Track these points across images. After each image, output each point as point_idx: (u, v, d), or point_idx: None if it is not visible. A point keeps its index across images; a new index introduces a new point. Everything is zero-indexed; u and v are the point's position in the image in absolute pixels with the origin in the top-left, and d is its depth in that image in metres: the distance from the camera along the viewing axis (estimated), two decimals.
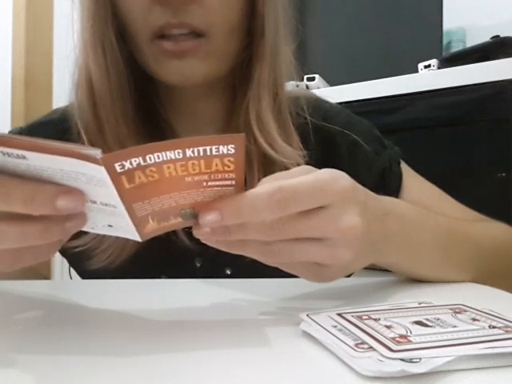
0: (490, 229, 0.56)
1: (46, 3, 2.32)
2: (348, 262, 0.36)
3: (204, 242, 0.34)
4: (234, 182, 0.32)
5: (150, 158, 0.28)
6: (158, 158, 0.28)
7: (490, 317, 0.31)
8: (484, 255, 0.50)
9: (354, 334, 0.28)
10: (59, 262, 1.61)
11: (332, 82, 1.47)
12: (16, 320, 0.36)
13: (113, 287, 0.48)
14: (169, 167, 0.29)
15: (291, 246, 0.34)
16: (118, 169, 0.28)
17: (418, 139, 1.22)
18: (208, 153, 0.29)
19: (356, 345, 0.27)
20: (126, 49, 0.53)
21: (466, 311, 0.32)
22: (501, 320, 0.30)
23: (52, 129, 0.60)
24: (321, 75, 1.47)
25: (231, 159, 0.30)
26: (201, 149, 0.29)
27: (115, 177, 0.28)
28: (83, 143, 0.53)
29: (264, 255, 0.34)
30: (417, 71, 1.32)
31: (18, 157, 0.28)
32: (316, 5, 1.67)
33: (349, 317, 0.31)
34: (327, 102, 0.66)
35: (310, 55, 1.62)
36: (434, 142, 1.21)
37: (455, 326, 0.29)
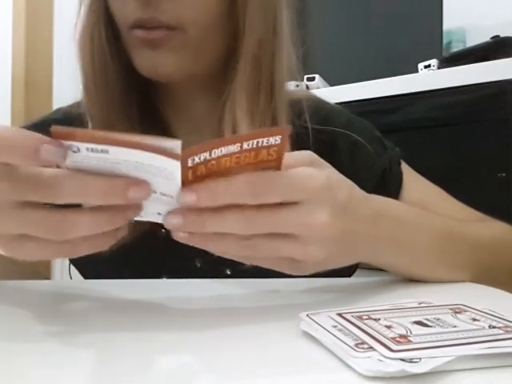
0: (490, 228, 0.56)
1: (46, 3, 2.32)
2: (320, 260, 0.37)
3: (178, 239, 0.34)
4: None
5: (214, 152, 0.30)
6: (221, 153, 0.30)
7: (490, 317, 0.31)
8: (483, 255, 0.50)
9: (354, 334, 0.28)
10: (59, 262, 1.61)
11: (332, 82, 1.47)
12: (16, 319, 0.36)
13: (113, 287, 0.48)
14: (226, 160, 0.31)
15: (267, 241, 0.34)
16: (190, 163, 0.30)
17: (417, 139, 1.21)
18: (260, 144, 0.31)
19: (356, 345, 0.27)
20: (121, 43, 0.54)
21: (465, 311, 0.32)
22: (501, 320, 0.30)
23: None
24: (321, 75, 1.47)
25: (275, 149, 0.32)
26: (255, 141, 0.31)
27: (185, 171, 0.30)
28: None
29: (241, 249, 0.35)
30: (417, 71, 1.32)
31: (101, 151, 0.29)
32: (316, 5, 1.67)
33: (349, 317, 0.31)
34: (328, 104, 0.66)
35: (310, 55, 1.62)
36: (434, 141, 1.21)
37: (455, 326, 0.29)
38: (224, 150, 0.31)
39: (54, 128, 0.29)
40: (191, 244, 0.35)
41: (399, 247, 0.43)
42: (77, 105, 0.60)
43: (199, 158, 0.30)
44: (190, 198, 0.32)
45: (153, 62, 0.52)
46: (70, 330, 0.34)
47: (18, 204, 0.31)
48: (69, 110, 0.60)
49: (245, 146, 0.31)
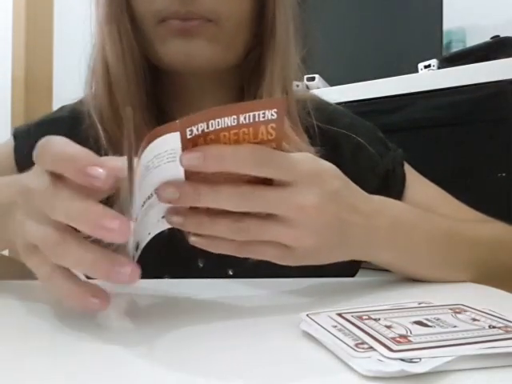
0: (490, 228, 0.56)
1: (45, 3, 2.32)
2: (310, 246, 0.36)
3: (171, 223, 0.34)
4: None
5: (212, 123, 0.30)
6: (218, 125, 0.30)
7: (490, 317, 0.31)
8: (483, 255, 0.50)
9: (354, 334, 0.28)
10: None
11: (332, 82, 1.47)
12: (16, 319, 0.36)
13: (113, 287, 0.48)
14: (224, 136, 0.31)
15: (258, 223, 0.34)
16: (188, 134, 0.30)
17: (418, 139, 1.22)
18: (257, 119, 0.31)
19: (356, 345, 0.27)
20: (140, 36, 0.54)
21: (465, 311, 0.32)
22: (501, 320, 0.30)
23: (61, 126, 0.60)
24: (321, 75, 1.47)
25: (273, 126, 0.31)
26: (251, 114, 0.30)
27: (185, 143, 0.30)
28: (95, 136, 0.54)
29: (232, 233, 0.35)
30: (417, 71, 1.32)
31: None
32: (316, 5, 1.67)
33: (349, 317, 0.31)
34: (331, 105, 0.67)
35: (310, 55, 1.62)
36: (434, 142, 1.21)
37: (455, 326, 0.29)
38: (221, 122, 0.30)
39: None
40: (183, 228, 0.35)
41: (398, 246, 0.43)
42: (80, 103, 0.60)
43: (197, 130, 0.30)
44: (196, 156, 0.31)
45: (187, 52, 0.52)
46: (70, 330, 0.34)
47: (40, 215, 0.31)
48: (74, 107, 0.60)
49: (241, 119, 0.30)
